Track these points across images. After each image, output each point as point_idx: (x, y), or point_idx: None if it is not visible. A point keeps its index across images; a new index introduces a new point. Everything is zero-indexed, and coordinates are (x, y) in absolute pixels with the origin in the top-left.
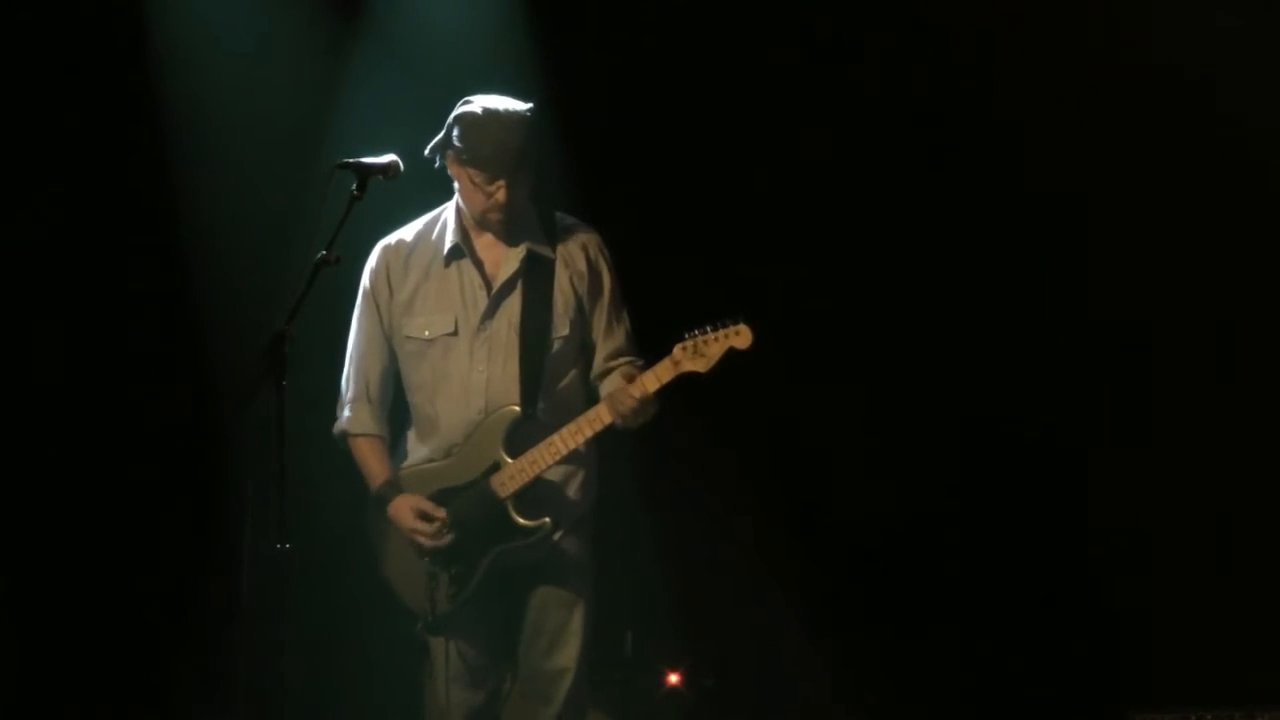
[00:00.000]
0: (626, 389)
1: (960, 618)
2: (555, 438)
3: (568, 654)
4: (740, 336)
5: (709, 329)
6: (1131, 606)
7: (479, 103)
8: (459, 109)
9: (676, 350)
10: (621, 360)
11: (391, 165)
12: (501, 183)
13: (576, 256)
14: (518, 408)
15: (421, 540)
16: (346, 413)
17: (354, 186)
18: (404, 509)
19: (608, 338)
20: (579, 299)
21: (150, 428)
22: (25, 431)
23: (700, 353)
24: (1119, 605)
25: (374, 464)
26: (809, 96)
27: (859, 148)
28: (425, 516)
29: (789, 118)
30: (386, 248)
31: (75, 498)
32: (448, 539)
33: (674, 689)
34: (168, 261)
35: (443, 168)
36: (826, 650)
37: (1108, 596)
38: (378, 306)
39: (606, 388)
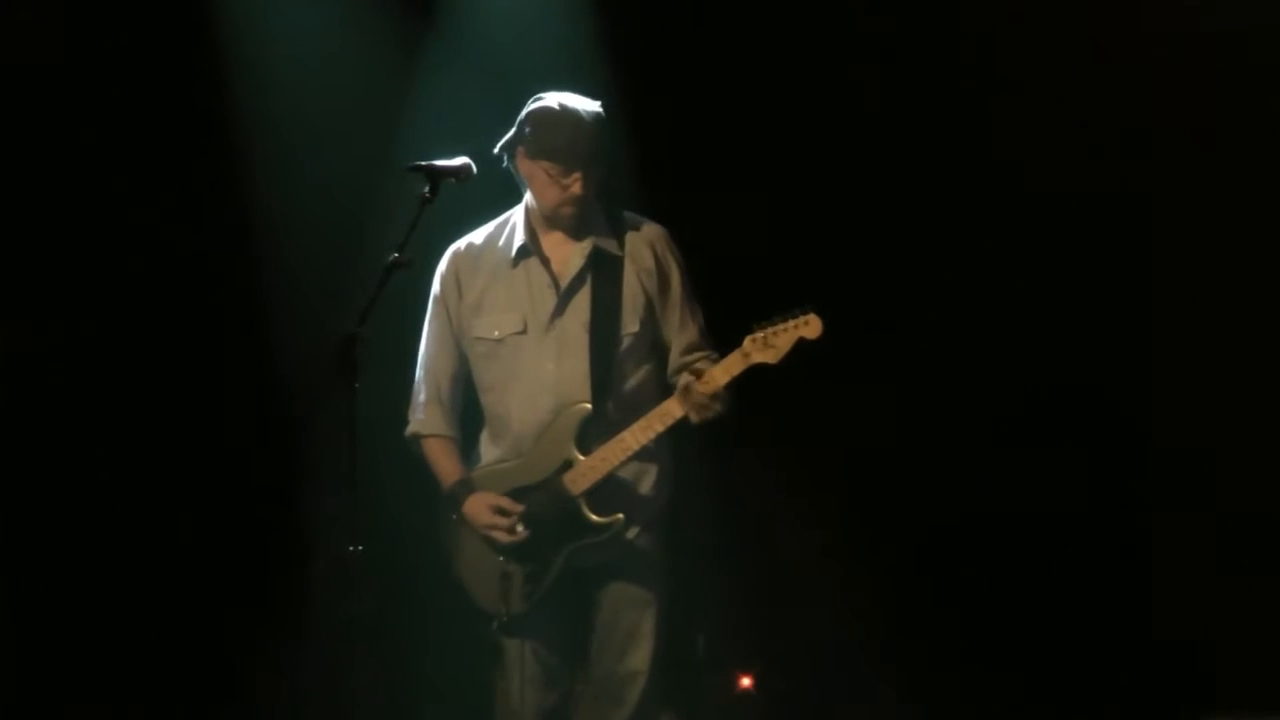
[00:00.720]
0: (696, 383)
1: (1034, 620)
2: (626, 434)
3: (640, 656)
4: (810, 326)
5: (778, 320)
6: (1201, 608)
7: (552, 98)
8: (531, 105)
9: (746, 342)
10: (697, 355)
11: (464, 168)
12: (577, 175)
13: (644, 253)
14: (588, 404)
15: (498, 536)
16: (418, 415)
17: (425, 189)
18: (479, 506)
19: (681, 333)
20: (648, 296)
21: (221, 431)
22: (91, 432)
23: (770, 344)
24: (1188, 608)
25: (446, 464)
26: (879, 89)
27: (929, 141)
28: (501, 511)
29: (859, 112)
30: (456, 252)
31: (141, 500)
32: (524, 534)
33: (746, 692)
34: (237, 264)
35: (509, 168)
36: (900, 653)
37: (1176, 598)
38: (447, 310)
39: (681, 384)
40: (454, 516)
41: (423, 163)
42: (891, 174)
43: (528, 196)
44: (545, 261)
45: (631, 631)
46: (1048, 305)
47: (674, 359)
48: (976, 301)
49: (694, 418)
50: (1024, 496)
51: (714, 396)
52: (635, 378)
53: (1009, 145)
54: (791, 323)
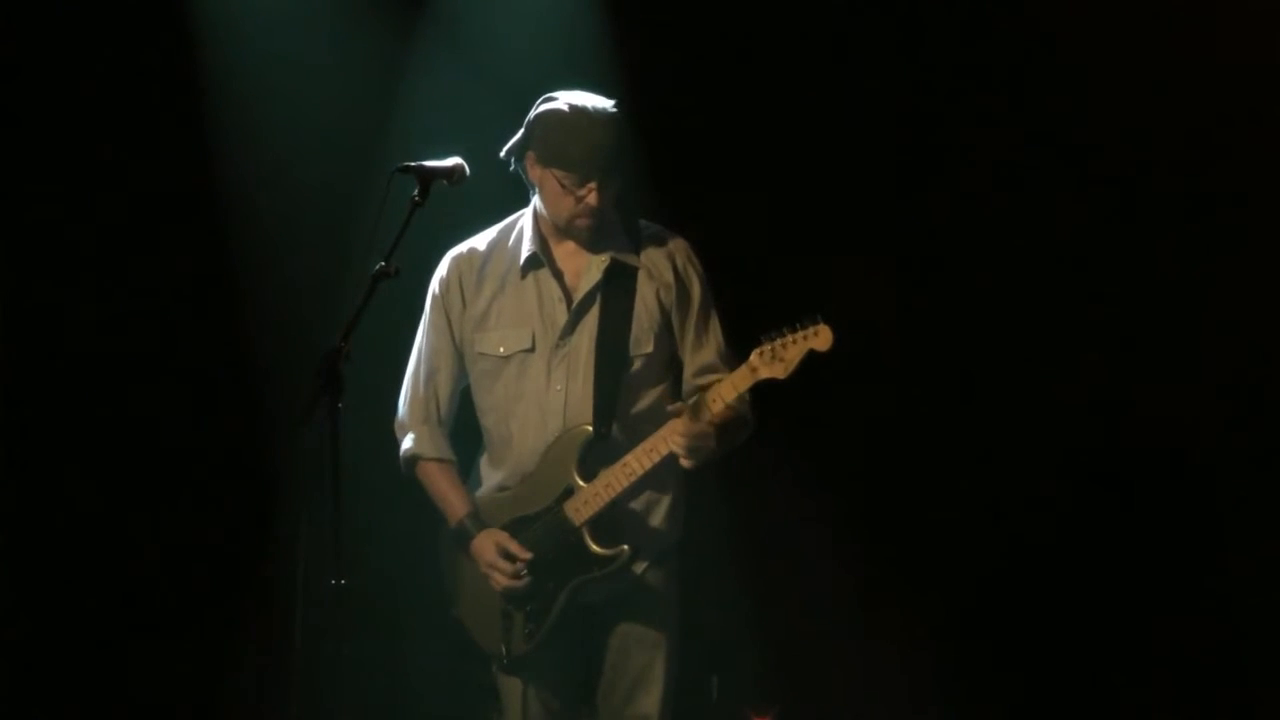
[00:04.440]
0: (702, 400)
1: (1082, 675)
2: (629, 457)
3: (650, 700)
4: (820, 338)
5: (786, 331)
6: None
7: (564, 99)
8: (541, 107)
9: (753, 356)
10: (711, 378)
11: (456, 169)
12: (593, 185)
13: (663, 266)
14: (589, 427)
15: (496, 580)
16: (415, 434)
17: (415, 192)
18: (485, 544)
19: (696, 352)
20: (665, 313)
21: (197, 452)
22: (66, 455)
23: (779, 357)
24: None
25: (451, 494)
26: (899, 94)
27: (947, 148)
28: (507, 555)
29: (880, 115)
30: (458, 257)
31: (115, 529)
32: (525, 581)
33: None
34: (215, 274)
35: (516, 172)
36: (929, 694)
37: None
38: (449, 319)
39: (689, 402)
40: (455, 553)
41: (412, 163)
42: (901, 174)
43: (536, 201)
44: (558, 274)
45: (642, 673)
46: (1074, 310)
47: (687, 379)
48: (1000, 308)
49: (685, 460)
50: (1074, 535)
51: (709, 428)
52: (647, 400)
53: (1022, 145)
54: (800, 334)
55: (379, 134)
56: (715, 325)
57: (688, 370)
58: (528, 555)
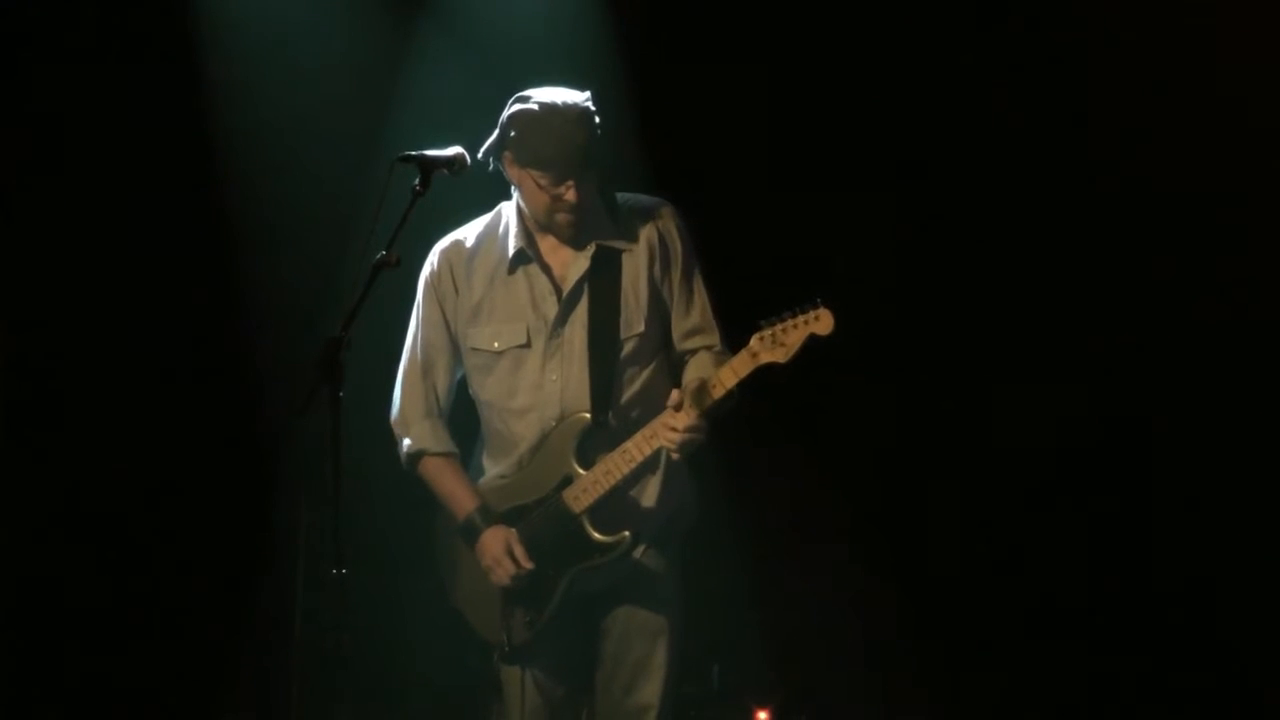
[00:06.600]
0: (703, 387)
1: (1079, 655)
2: (629, 444)
3: (651, 690)
4: (820, 322)
5: (787, 315)
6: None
7: (536, 98)
8: (513, 107)
9: (753, 341)
10: (698, 341)
11: (457, 158)
12: (570, 182)
13: (649, 239)
14: (587, 415)
15: (497, 577)
16: (418, 430)
17: (416, 182)
18: (494, 540)
19: (684, 317)
20: (655, 286)
21: (197, 441)
22: (65, 448)
23: (779, 342)
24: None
25: (458, 488)
26: (900, 88)
27: (946, 128)
28: (511, 555)
29: (882, 106)
30: (446, 249)
31: (113, 524)
32: (522, 583)
33: None
34: (216, 263)
35: (497, 170)
36: (927, 684)
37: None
38: (443, 311)
39: (686, 376)
40: (456, 543)
41: (413, 152)
42: (911, 156)
43: (518, 196)
44: (546, 268)
45: (642, 662)
46: (1075, 309)
47: (676, 343)
48: (1001, 299)
49: (675, 455)
50: (1070, 527)
51: (721, 402)
52: (643, 379)
53: (1019, 140)
54: (801, 318)
55: (380, 125)
56: (700, 287)
57: (676, 333)
58: (529, 565)
